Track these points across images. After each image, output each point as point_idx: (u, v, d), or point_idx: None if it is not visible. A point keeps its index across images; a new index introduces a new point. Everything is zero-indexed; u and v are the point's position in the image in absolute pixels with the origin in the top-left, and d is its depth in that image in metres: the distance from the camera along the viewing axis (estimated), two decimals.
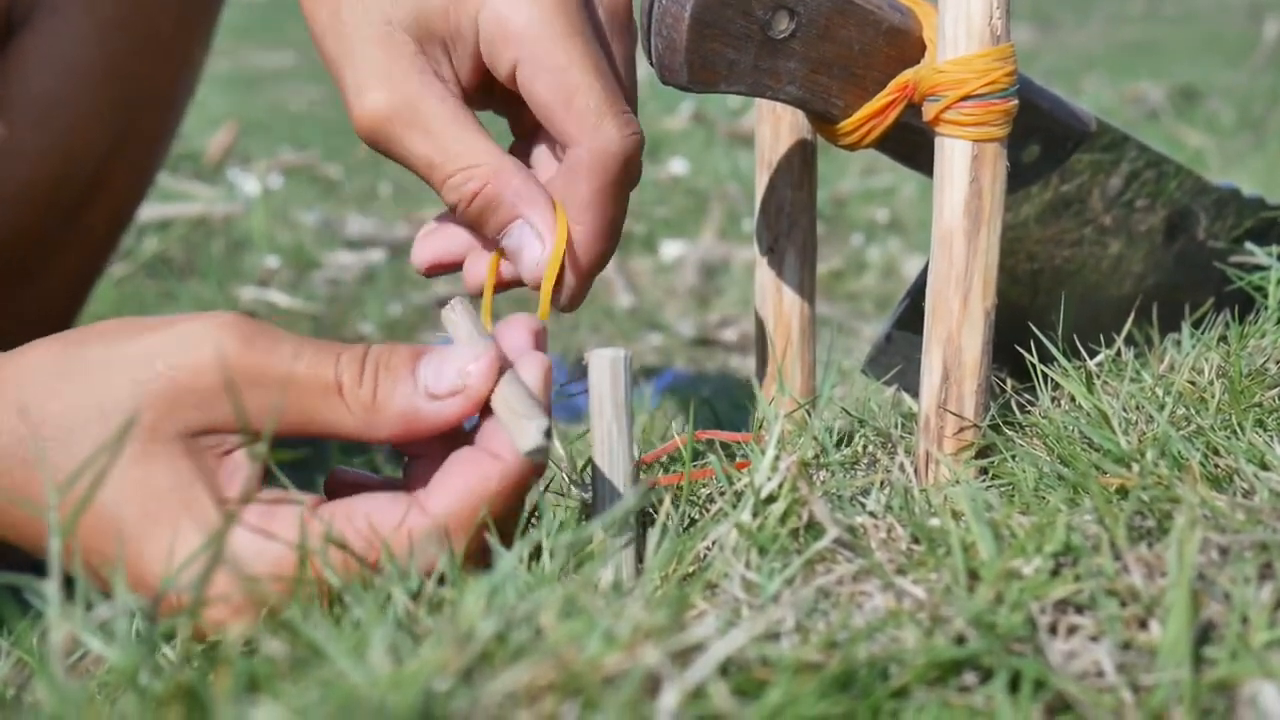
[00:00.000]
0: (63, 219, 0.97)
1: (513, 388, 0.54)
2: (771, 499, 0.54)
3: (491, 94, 0.65)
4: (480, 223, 0.62)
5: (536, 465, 0.54)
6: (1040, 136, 0.69)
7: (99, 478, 0.49)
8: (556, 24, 0.59)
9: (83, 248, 1.01)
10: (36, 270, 0.98)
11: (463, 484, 0.53)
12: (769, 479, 0.54)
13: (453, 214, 0.63)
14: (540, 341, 0.58)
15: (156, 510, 0.52)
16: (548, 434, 0.51)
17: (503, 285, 0.64)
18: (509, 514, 0.54)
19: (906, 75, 0.61)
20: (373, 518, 0.53)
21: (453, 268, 0.66)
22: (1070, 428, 0.62)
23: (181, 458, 0.53)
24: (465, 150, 0.61)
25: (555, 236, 0.61)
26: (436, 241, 0.66)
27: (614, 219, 0.62)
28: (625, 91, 0.63)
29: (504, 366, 0.55)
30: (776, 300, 0.73)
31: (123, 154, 0.98)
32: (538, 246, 0.61)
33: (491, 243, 0.64)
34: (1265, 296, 0.78)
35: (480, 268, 0.64)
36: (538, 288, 0.62)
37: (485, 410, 0.55)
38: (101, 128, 0.95)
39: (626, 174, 0.61)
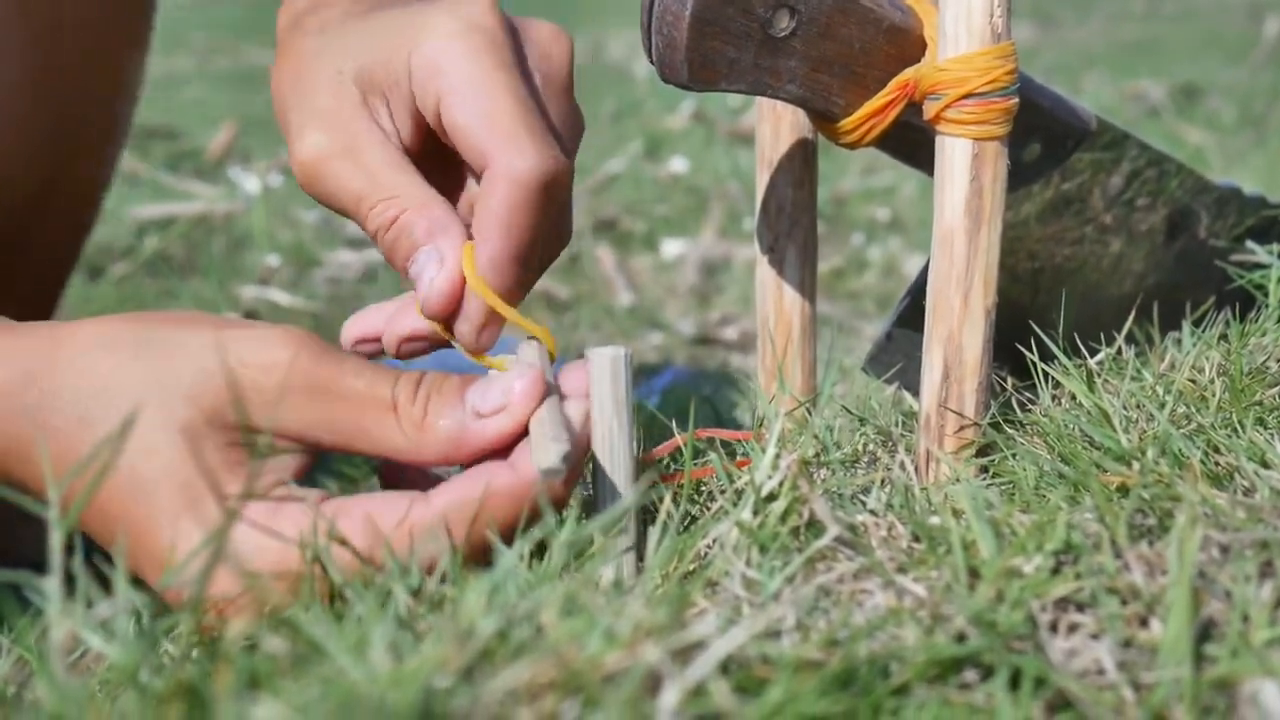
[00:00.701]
0: (8, 237, 0.96)
1: (550, 411, 0.54)
2: (772, 497, 0.54)
3: (432, 165, 0.64)
4: (394, 250, 0.61)
5: (547, 485, 0.54)
6: (1041, 135, 0.69)
7: (137, 450, 0.51)
8: (484, 59, 0.60)
9: (35, 267, 1.01)
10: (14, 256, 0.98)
11: (469, 483, 0.54)
12: (770, 477, 0.54)
13: (374, 243, 0.62)
14: None
15: (192, 492, 0.54)
16: (565, 458, 0.51)
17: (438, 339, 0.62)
18: (509, 524, 0.54)
19: (907, 74, 0.61)
20: (374, 515, 0.54)
21: (376, 341, 0.64)
22: (1071, 426, 0.62)
23: (228, 449, 0.55)
24: (394, 183, 0.61)
25: (455, 264, 0.59)
26: (363, 319, 0.65)
27: (524, 244, 0.59)
28: (560, 142, 0.62)
29: (551, 394, 0.56)
30: (777, 299, 0.73)
31: (65, 170, 0.98)
32: (434, 267, 0.59)
33: (404, 273, 0.62)
34: (1266, 295, 0.78)
35: (401, 322, 0.63)
36: (436, 322, 0.60)
37: (523, 436, 0.56)
38: (32, 145, 0.95)
39: (545, 198, 0.59)
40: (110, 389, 0.55)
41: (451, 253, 0.59)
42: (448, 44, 0.60)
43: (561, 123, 0.64)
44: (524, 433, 0.55)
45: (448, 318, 0.61)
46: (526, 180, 0.58)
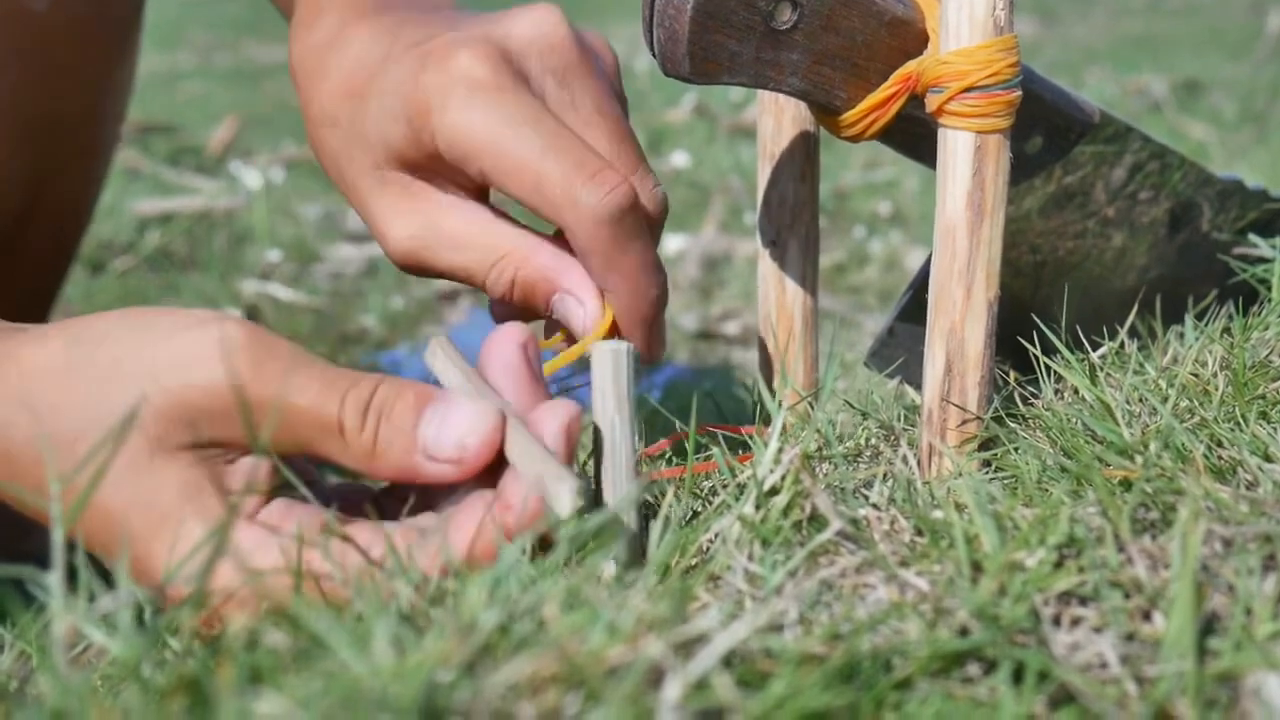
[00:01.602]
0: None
1: (528, 445, 0.53)
2: (774, 491, 0.54)
3: None
4: (529, 304, 0.65)
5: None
6: (1043, 128, 0.69)
7: (101, 483, 0.51)
8: (501, 121, 0.61)
9: (23, 278, 1.01)
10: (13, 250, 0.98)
11: (470, 526, 0.54)
12: (772, 471, 0.54)
13: (503, 304, 0.66)
14: (531, 352, 0.57)
15: (164, 514, 0.53)
16: (582, 492, 0.51)
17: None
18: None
19: (909, 67, 0.61)
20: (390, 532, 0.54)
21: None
22: (1073, 420, 0.62)
23: (189, 466, 0.54)
24: (491, 244, 0.64)
25: (594, 299, 0.63)
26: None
27: (638, 268, 0.62)
28: (606, 138, 0.63)
29: (510, 422, 0.55)
30: (779, 293, 0.73)
31: (49, 181, 0.98)
32: (579, 312, 0.63)
33: (546, 317, 0.66)
34: (1269, 289, 0.78)
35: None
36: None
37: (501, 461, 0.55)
38: (13, 159, 0.94)
39: (623, 228, 0.61)
40: (60, 427, 0.54)
41: (588, 294, 0.63)
42: (462, 113, 0.61)
43: (596, 106, 0.64)
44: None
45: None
46: (602, 230, 0.61)
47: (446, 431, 0.54)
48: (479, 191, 0.65)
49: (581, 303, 0.63)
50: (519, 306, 0.65)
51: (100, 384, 0.54)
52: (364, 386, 0.54)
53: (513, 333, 0.57)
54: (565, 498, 0.51)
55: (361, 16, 0.68)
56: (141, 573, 0.53)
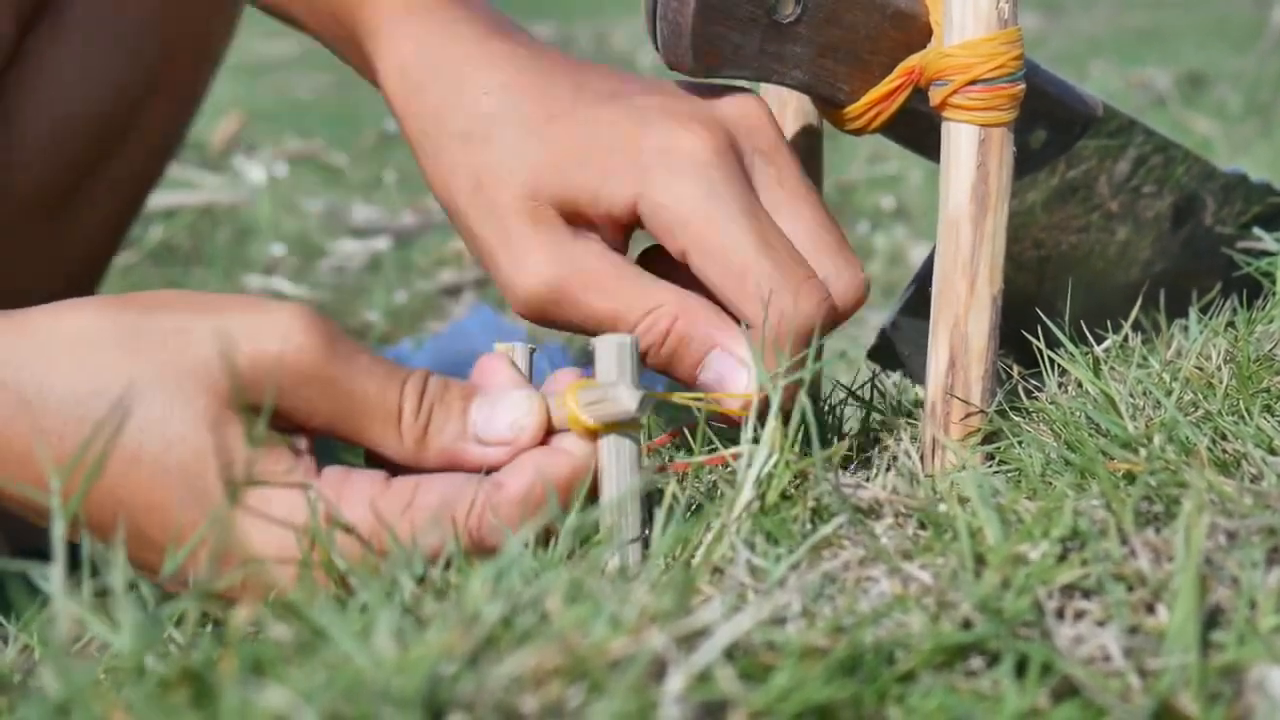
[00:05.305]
0: (98, 156, 0.96)
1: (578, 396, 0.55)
2: (777, 484, 0.54)
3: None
4: (674, 362, 0.62)
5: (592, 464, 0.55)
6: (1047, 121, 0.69)
7: (160, 440, 0.52)
8: (719, 204, 0.59)
9: (117, 188, 1.01)
10: (74, 208, 0.98)
11: (534, 466, 0.55)
12: (775, 464, 0.54)
13: (644, 362, 0.62)
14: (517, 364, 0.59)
15: (228, 469, 0.53)
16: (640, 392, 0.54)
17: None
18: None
19: (913, 60, 0.61)
20: (449, 500, 0.54)
21: None
22: (1077, 413, 0.62)
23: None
24: (645, 294, 0.61)
25: (754, 365, 0.59)
26: None
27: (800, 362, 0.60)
28: (809, 222, 0.61)
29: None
30: None
31: (158, 93, 0.98)
32: (743, 375, 0.60)
33: (689, 380, 0.62)
34: (1273, 282, 0.77)
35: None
36: (738, 420, 0.60)
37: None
38: (140, 64, 0.95)
39: (806, 338, 0.59)
40: (113, 385, 0.53)
41: (750, 356, 0.59)
42: (680, 185, 0.59)
43: (803, 202, 0.62)
44: None
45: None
46: (794, 338, 0.59)
47: (499, 416, 0.56)
48: (624, 246, 0.64)
49: (745, 365, 0.60)
50: (658, 365, 0.62)
51: (169, 345, 0.54)
52: (419, 375, 0.56)
53: (498, 354, 0.59)
54: (625, 396, 0.53)
55: (499, 34, 0.65)
56: (173, 539, 0.53)
